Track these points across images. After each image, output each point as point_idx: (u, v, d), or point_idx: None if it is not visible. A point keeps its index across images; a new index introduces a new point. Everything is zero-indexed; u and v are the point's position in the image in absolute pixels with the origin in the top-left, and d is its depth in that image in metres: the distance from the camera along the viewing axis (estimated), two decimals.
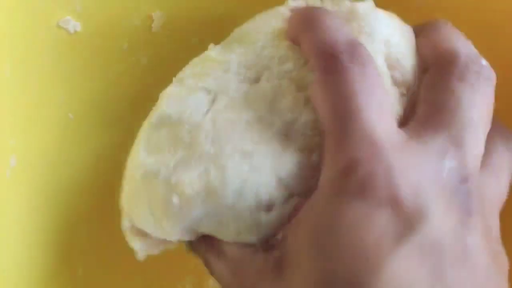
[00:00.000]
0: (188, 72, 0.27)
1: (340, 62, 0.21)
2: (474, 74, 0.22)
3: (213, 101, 0.24)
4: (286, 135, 0.23)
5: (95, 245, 0.32)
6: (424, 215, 0.18)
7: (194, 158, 0.23)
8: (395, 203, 0.18)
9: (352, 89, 0.20)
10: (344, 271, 0.18)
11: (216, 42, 0.33)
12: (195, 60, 0.27)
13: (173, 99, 0.25)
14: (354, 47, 0.21)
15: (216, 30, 0.33)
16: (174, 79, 0.27)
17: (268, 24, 0.26)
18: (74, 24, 0.30)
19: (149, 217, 0.25)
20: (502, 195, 0.23)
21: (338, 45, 0.21)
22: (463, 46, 0.23)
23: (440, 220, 0.18)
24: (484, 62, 0.22)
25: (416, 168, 0.19)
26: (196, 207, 0.23)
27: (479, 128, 0.21)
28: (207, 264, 0.24)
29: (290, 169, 0.22)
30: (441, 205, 0.19)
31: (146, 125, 0.26)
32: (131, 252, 0.33)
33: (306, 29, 0.23)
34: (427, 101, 0.22)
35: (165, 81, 0.33)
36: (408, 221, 0.18)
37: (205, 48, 0.33)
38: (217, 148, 0.23)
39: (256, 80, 0.25)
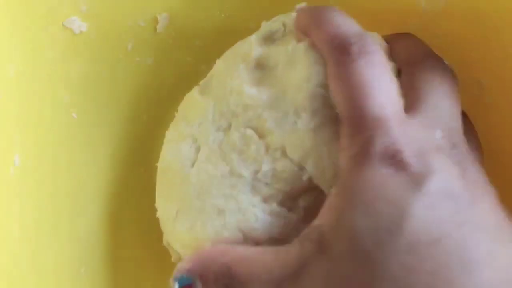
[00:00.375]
0: (181, 113, 0.30)
1: (350, 55, 0.24)
2: (435, 69, 0.26)
3: (198, 150, 0.28)
4: (253, 186, 0.26)
5: (97, 243, 0.32)
6: (431, 170, 0.22)
7: (187, 211, 0.28)
8: (404, 168, 0.22)
9: (361, 79, 0.23)
10: (383, 224, 0.21)
11: (220, 44, 0.33)
12: (187, 97, 0.30)
13: (170, 145, 0.30)
14: (362, 39, 0.24)
15: (220, 32, 0.33)
16: (175, 114, 0.31)
17: (235, 67, 0.28)
18: (79, 24, 0.30)
19: (173, 245, 0.29)
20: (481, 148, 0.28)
21: (347, 39, 0.24)
22: (425, 50, 0.27)
23: (446, 172, 0.22)
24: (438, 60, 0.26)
25: (417, 138, 0.23)
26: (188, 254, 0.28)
27: (454, 105, 0.25)
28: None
29: (253, 224, 0.26)
30: (442, 162, 0.23)
31: (158, 168, 0.30)
32: (133, 251, 0.33)
33: (316, 25, 0.26)
34: (412, 90, 0.25)
35: (170, 82, 0.34)
36: (419, 178, 0.22)
37: (209, 50, 0.33)
38: (201, 203, 0.27)
39: (228, 127, 0.28)
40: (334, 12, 0.26)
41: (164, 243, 0.30)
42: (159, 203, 0.30)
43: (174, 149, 0.29)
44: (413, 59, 0.26)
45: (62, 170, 0.31)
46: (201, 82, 0.30)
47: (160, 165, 0.30)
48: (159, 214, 0.30)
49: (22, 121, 0.29)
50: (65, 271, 0.31)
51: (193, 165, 0.28)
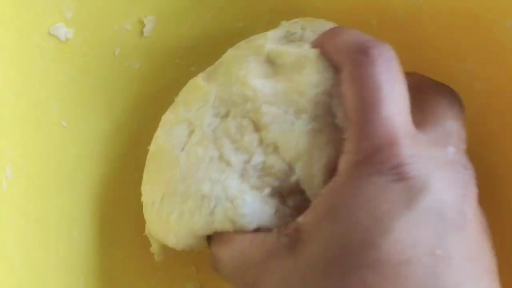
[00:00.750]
0: (181, 97, 0.30)
1: (370, 56, 0.23)
2: (443, 92, 0.26)
3: (191, 134, 0.28)
4: (241, 174, 0.26)
5: (95, 253, 0.31)
6: (428, 188, 0.21)
7: (172, 195, 0.27)
8: (405, 178, 0.22)
9: (378, 82, 0.23)
10: (359, 235, 0.21)
11: (210, 45, 0.33)
12: (190, 82, 0.30)
13: (165, 129, 0.29)
14: (381, 45, 0.24)
15: (209, 32, 0.33)
16: (175, 98, 0.30)
17: (245, 57, 0.28)
18: (65, 31, 0.30)
19: (157, 233, 0.29)
20: None
21: (367, 42, 0.24)
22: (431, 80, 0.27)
23: (443, 193, 0.22)
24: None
25: (425, 152, 0.23)
26: (188, 240, 0.27)
27: (463, 129, 0.25)
28: (214, 257, 0.26)
29: (241, 209, 0.25)
30: (445, 181, 0.22)
31: (149, 153, 0.30)
32: (131, 261, 0.33)
33: (333, 34, 0.26)
34: (420, 111, 0.25)
35: (160, 86, 0.33)
36: (414, 193, 0.21)
37: (197, 52, 0.33)
38: (186, 187, 0.26)
39: (226, 115, 0.27)
40: (350, 28, 0.26)
41: (146, 232, 0.30)
42: (145, 187, 0.29)
43: (168, 132, 0.29)
44: (421, 85, 0.26)
45: (54, 180, 0.31)
46: (207, 69, 0.30)
47: (151, 149, 0.30)
48: (143, 199, 0.29)
49: (12, 132, 0.29)
50: (65, 282, 0.30)
51: (183, 148, 0.27)
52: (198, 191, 0.26)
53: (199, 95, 0.29)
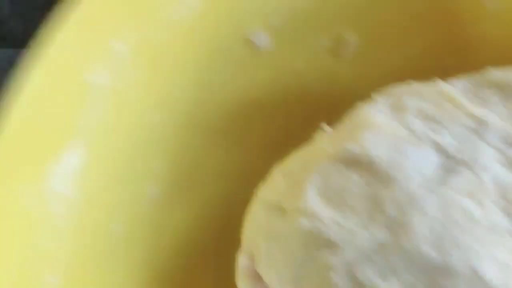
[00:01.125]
0: (412, 103, 0.20)
1: None
2: None
3: (446, 170, 0.19)
4: None
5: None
6: None
7: (401, 256, 0.17)
8: None
9: None
10: None
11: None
12: (424, 85, 0.20)
13: (382, 136, 0.19)
14: None
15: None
16: (374, 97, 0.21)
17: None
18: None
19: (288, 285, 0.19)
20: None
21: None
22: None
23: None
24: None
25: None
26: None
27: None
28: None
29: None
30: None
31: (323, 153, 0.20)
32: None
33: None
34: None
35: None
36: None
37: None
38: (441, 256, 0.17)
39: None
40: None
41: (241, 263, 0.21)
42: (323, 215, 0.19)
43: (392, 147, 0.19)
44: None
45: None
46: (463, 82, 0.21)
47: (335, 150, 0.19)
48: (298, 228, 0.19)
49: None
50: None
51: (432, 188, 0.18)
52: (469, 269, 0.17)
53: (456, 115, 0.20)
